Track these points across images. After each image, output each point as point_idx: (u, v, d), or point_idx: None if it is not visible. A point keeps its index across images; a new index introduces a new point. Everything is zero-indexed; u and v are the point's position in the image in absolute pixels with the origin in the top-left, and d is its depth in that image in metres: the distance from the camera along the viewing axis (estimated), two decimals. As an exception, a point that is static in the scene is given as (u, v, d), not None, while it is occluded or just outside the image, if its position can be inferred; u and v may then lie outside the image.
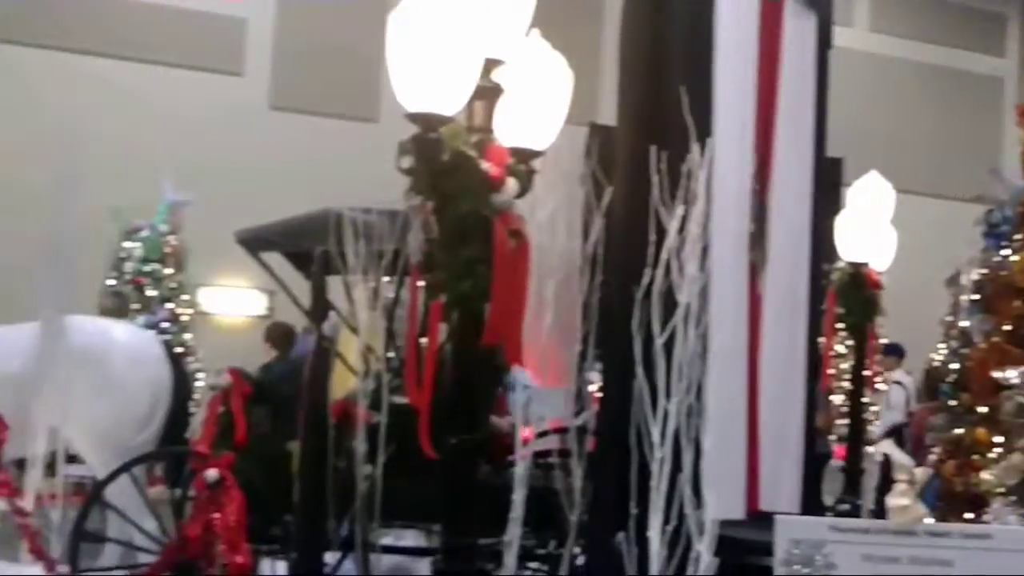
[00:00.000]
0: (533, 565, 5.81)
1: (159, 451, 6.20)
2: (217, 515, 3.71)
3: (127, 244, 12.25)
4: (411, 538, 6.85)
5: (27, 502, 5.41)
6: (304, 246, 5.71)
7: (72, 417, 5.84)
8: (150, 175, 12.22)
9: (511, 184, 3.88)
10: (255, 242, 6.08)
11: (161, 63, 13.95)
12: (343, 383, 6.66)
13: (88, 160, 12.89)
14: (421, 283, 4.17)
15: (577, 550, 5.20)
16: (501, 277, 3.72)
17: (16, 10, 13.47)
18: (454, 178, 3.73)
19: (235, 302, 14.02)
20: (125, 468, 5.66)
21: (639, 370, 3.92)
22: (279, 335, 9.53)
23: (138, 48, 13.80)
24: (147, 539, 5.84)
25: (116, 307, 9.94)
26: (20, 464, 5.80)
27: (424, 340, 4.20)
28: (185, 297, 12.71)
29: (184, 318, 12.47)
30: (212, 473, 3.78)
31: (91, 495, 5.58)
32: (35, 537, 5.05)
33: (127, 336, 6.47)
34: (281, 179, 13.23)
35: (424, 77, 3.64)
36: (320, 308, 5.37)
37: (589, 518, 4.63)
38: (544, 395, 5.35)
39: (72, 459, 6.21)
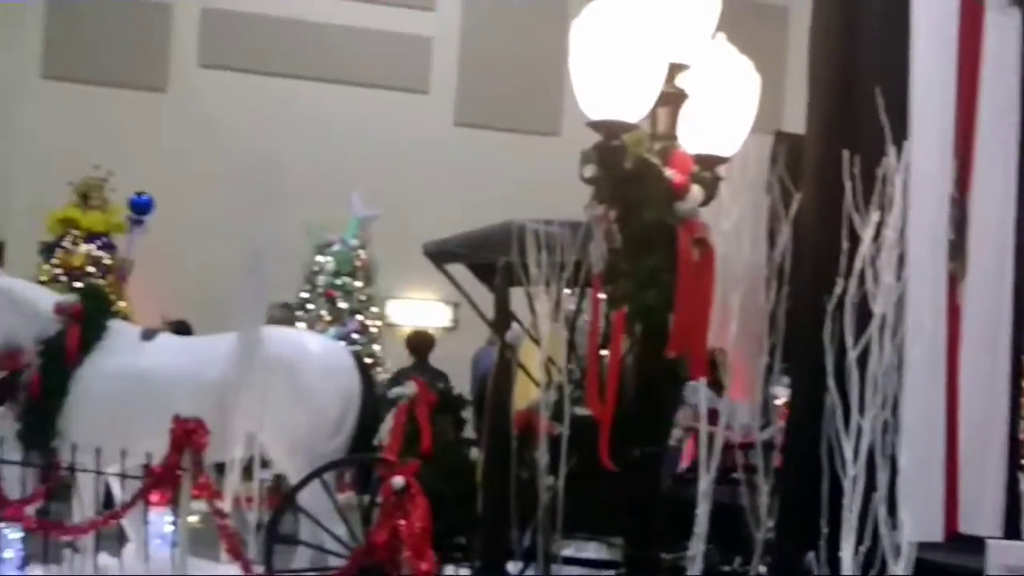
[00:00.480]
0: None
1: (349, 458, 6.37)
2: (403, 522, 3.76)
3: (319, 258, 12.74)
4: (592, 550, 6.79)
5: (225, 505, 5.64)
6: (487, 258, 5.76)
7: (268, 424, 6.07)
8: (340, 191, 12.68)
9: (696, 192, 3.80)
10: (440, 254, 6.18)
11: (350, 83, 14.50)
12: (525, 394, 6.71)
13: (281, 179, 13.67)
14: (603, 294, 4.13)
15: (763, 569, 5.05)
16: (685, 287, 3.65)
17: (212, 38, 14.28)
18: (637, 186, 3.69)
19: (422, 314, 14.33)
20: (317, 474, 5.83)
21: (831, 383, 3.77)
22: (418, 343, 9.77)
23: (327, 70, 14.39)
24: (337, 543, 6.05)
25: (283, 318, 10.27)
26: (219, 468, 6.06)
27: (605, 352, 4.16)
28: (374, 309, 13.11)
29: (373, 330, 12.86)
30: (398, 480, 3.84)
31: (284, 499, 5.78)
32: (233, 538, 5.26)
33: (319, 347, 6.70)
34: (465, 193, 13.48)
35: (607, 84, 3.62)
36: (503, 319, 5.39)
37: (776, 536, 4.48)
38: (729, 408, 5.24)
39: (266, 463, 6.46)
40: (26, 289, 7.12)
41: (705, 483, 4.86)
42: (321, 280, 12.73)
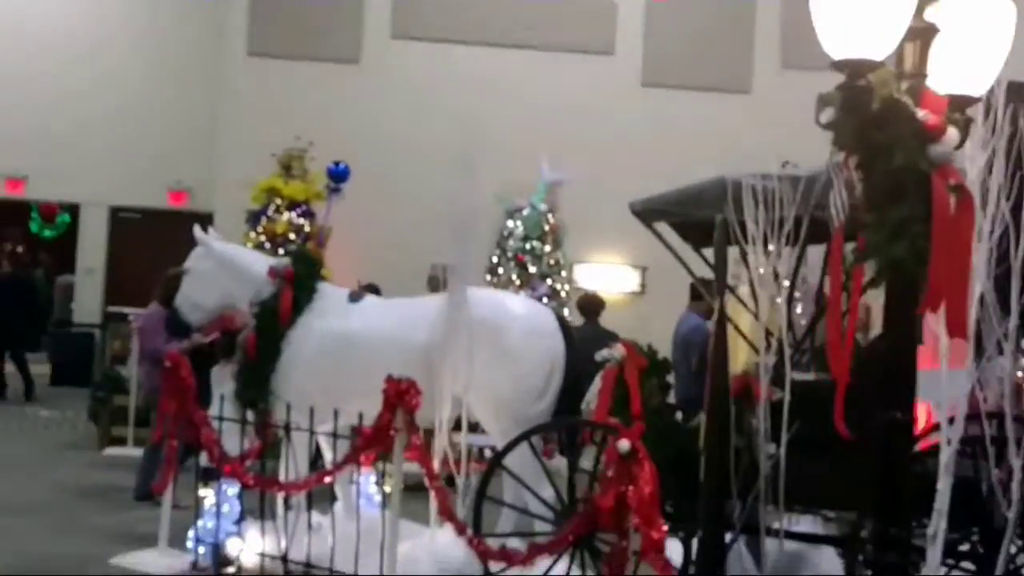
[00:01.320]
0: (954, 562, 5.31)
1: (556, 421, 6.28)
2: (631, 487, 3.62)
3: (509, 223, 12.73)
4: (807, 524, 6.51)
5: (436, 466, 5.65)
6: (699, 215, 5.54)
7: (474, 386, 6.04)
8: (529, 156, 12.61)
9: (952, 134, 3.47)
10: (648, 212, 5.99)
11: (537, 48, 14.45)
12: (734, 359, 6.47)
13: (472, 144, 13.71)
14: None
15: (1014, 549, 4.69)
16: (942, 237, 3.33)
17: (403, 11, 14.52)
18: (885, 129, 3.39)
19: (609, 278, 14.20)
20: (524, 437, 5.77)
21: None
22: (588, 305, 9.62)
23: (513, 36, 14.40)
24: (544, 507, 5.98)
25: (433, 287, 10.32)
26: (427, 431, 6.07)
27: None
28: (563, 273, 13.04)
29: (562, 294, 12.78)
30: (624, 444, 3.69)
31: (492, 462, 5.74)
32: (446, 499, 5.25)
33: (524, 309, 6.62)
34: (652, 154, 13.25)
35: (851, 20, 3.33)
36: (722, 278, 5.16)
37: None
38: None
39: (472, 428, 6.44)
40: (242, 254, 7.34)
41: (947, 455, 4.54)
42: (511, 244, 12.72)
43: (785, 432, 4.99)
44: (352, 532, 6.00)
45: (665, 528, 3.50)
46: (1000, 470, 4.96)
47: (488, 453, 7.25)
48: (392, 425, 5.34)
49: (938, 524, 4.53)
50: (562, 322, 6.57)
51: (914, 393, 3.69)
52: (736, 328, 5.63)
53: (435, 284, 10.32)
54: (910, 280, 3.48)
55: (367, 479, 7.14)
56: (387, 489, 6.98)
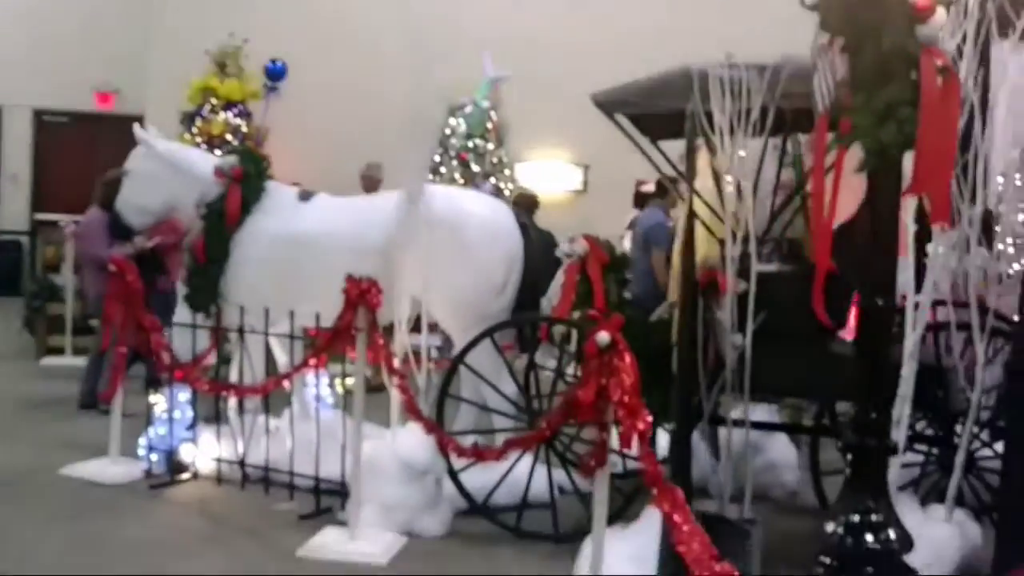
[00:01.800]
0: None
1: (520, 317, 6.22)
2: (612, 379, 3.56)
3: (452, 121, 12.49)
4: (762, 413, 6.59)
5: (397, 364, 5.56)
6: (664, 106, 5.41)
7: (433, 284, 5.93)
8: (471, 52, 12.32)
9: (941, 14, 3.38)
10: (611, 104, 5.85)
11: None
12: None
13: (412, 41, 13.35)
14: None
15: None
16: (929, 120, 3.27)
17: None
18: (874, 9, 3.28)
19: (552, 176, 14.06)
20: (487, 333, 5.70)
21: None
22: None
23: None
24: (505, 403, 5.96)
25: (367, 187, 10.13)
26: (387, 330, 5.97)
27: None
28: (507, 172, 12.89)
29: (505, 193, 12.64)
30: (604, 336, 3.62)
31: (455, 360, 5.68)
32: (412, 398, 5.18)
33: (482, 205, 6.47)
34: (596, 54, 12.99)
35: None
36: (692, 169, 5.07)
37: (1007, 404, 4.17)
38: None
39: (433, 327, 6.33)
40: (186, 153, 7.06)
41: (911, 342, 4.58)
42: (454, 143, 12.51)
43: (751, 323, 4.98)
44: (310, 435, 5.94)
45: (650, 418, 3.46)
46: (963, 356, 5.05)
47: (434, 353, 7.16)
48: (354, 325, 5.22)
49: (902, 409, 4.61)
50: (520, 219, 6.46)
51: (895, 279, 3.67)
52: (703, 222, 5.56)
53: (369, 184, 10.12)
54: (894, 164, 3.43)
55: (321, 381, 7.07)
56: (340, 391, 6.93)
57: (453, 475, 5.60)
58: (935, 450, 5.35)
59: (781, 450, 6.68)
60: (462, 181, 12.31)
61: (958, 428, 5.08)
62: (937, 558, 4.64)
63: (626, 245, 11.80)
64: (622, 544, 4.85)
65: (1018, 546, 4.19)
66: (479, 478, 5.67)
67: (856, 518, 3.63)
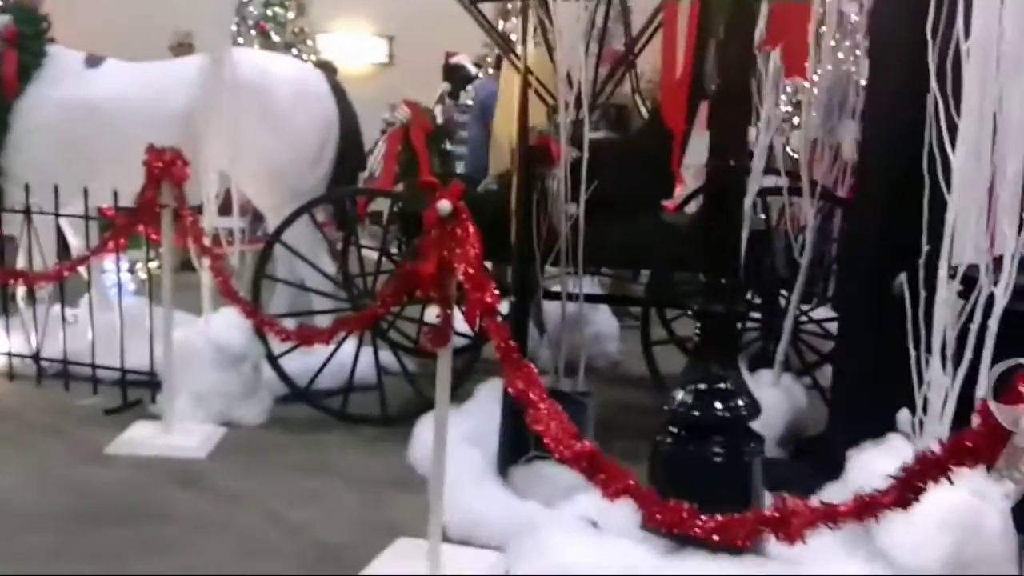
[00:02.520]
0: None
1: (338, 191, 5.85)
2: (456, 251, 3.31)
3: (248, -13, 11.70)
4: (586, 285, 6.52)
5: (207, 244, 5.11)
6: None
7: (242, 157, 5.48)
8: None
9: None
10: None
11: None
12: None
13: None
14: None
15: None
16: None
17: None
18: None
19: (356, 48, 13.45)
20: (305, 209, 5.33)
21: (933, 83, 3.29)
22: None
23: None
24: (326, 283, 5.65)
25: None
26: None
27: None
28: (308, 43, 12.25)
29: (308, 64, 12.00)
30: (445, 204, 3.34)
31: (271, 238, 5.27)
32: (228, 279, 4.78)
33: (292, 70, 5.99)
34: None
35: None
36: (524, 30, 4.77)
37: (843, 262, 4.16)
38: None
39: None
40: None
41: (746, 205, 4.55)
42: (251, 12, 11.74)
43: (583, 193, 4.80)
44: (113, 324, 5.47)
45: (497, 292, 3.23)
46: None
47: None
48: (158, 201, 4.75)
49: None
50: (334, 84, 6.02)
51: (745, 138, 3.54)
52: (536, 89, 5.31)
53: (176, 52, 9.35)
54: (748, 15, 3.25)
55: (120, 266, 6.49)
56: (142, 276, 6.43)
57: (273, 360, 5.27)
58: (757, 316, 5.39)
59: (605, 322, 6.66)
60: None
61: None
62: (767, 421, 4.69)
63: (438, 120, 11.53)
64: (455, 426, 4.69)
65: (850, 408, 4.25)
66: (300, 363, 5.36)
67: (705, 386, 3.55)
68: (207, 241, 5.07)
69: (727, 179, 3.49)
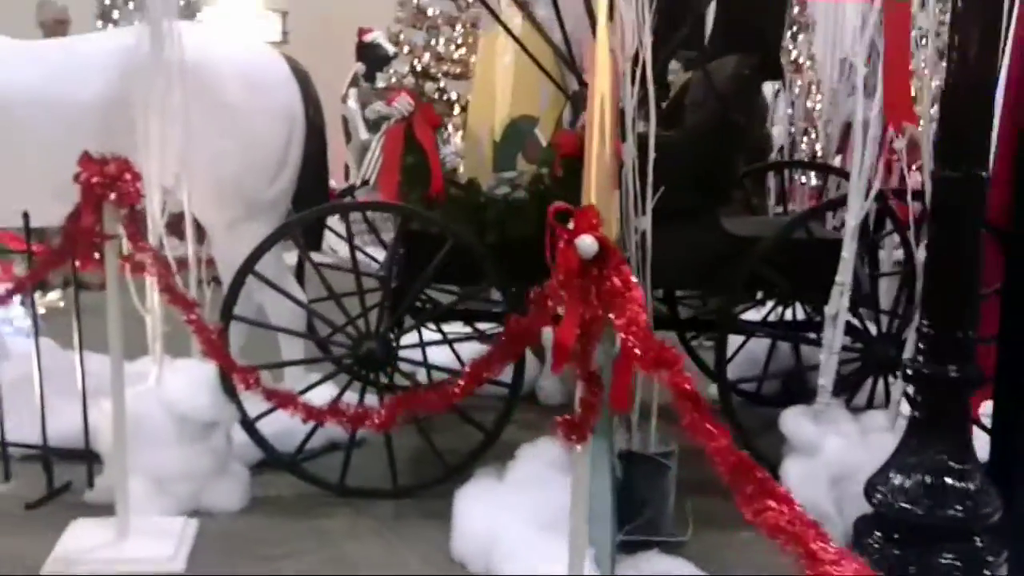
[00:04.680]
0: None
1: (333, 206, 4.69)
2: (614, 309, 2.26)
3: (124, -47, 10.19)
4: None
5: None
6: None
7: (186, 162, 4.26)
8: None
9: None
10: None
11: None
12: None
13: None
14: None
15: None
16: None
17: None
18: None
19: (246, 24, 12.06)
20: (284, 233, 4.15)
21: None
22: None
23: None
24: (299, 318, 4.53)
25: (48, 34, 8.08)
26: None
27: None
28: (197, 17, 10.83)
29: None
30: (588, 242, 2.30)
31: (243, 268, 4.03)
32: (211, 336, 3.55)
33: (240, 50, 4.70)
34: None
35: None
36: None
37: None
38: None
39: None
40: None
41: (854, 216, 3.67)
42: (128, -20, 10.25)
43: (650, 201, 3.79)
44: (20, 379, 4.23)
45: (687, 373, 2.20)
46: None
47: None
48: (98, 228, 3.51)
49: (840, 302, 3.73)
50: (295, 67, 4.79)
51: (989, 144, 2.60)
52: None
53: (53, 32, 7.97)
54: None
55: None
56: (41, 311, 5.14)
57: (249, 425, 4.09)
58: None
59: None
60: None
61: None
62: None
63: (351, 105, 10.28)
64: (509, 501, 3.66)
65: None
66: (277, 419, 4.17)
67: (930, 478, 2.60)
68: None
69: (961, 194, 2.53)
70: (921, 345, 2.59)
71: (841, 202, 3.97)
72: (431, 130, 4.22)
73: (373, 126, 4.41)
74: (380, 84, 10.40)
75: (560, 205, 2.41)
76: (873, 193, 3.66)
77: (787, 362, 5.35)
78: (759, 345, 5.38)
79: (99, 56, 4.42)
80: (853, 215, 3.75)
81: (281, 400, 3.58)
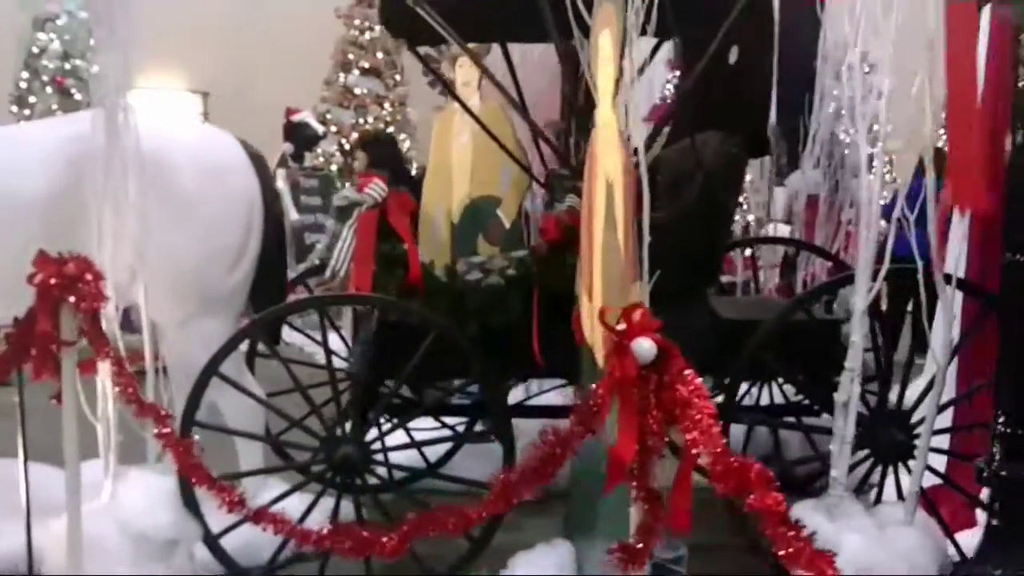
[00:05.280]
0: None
1: (307, 300, 4.39)
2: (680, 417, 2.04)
3: (41, 36, 9.82)
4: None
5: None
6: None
7: (141, 256, 3.95)
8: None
9: None
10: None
11: None
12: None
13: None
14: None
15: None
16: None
17: None
18: None
19: (168, 105, 11.75)
20: (250, 331, 3.85)
21: None
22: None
23: None
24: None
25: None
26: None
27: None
28: (117, 100, 10.48)
29: (116, 125, 10.25)
30: (647, 345, 2.09)
31: (207, 370, 3.72)
32: (188, 453, 3.22)
33: (194, 136, 4.43)
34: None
35: None
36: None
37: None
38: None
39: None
40: None
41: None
42: (46, 65, 9.87)
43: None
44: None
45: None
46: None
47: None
48: (55, 335, 3.17)
49: (851, 388, 3.58)
50: (252, 153, 4.52)
51: None
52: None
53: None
54: None
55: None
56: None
57: (213, 540, 3.74)
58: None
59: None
60: (60, 112, 9.75)
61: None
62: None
63: (279, 185, 9.99)
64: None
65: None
66: (240, 532, 3.82)
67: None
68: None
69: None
70: (997, 445, 2.41)
71: (846, 281, 3.81)
72: (406, 217, 3.98)
73: (342, 213, 4.10)
74: (307, 164, 10.18)
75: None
76: (882, 274, 3.53)
77: (766, 446, 5.18)
78: (737, 429, 5.20)
79: (41, 145, 4.10)
80: (861, 297, 3.61)
81: (258, 516, 3.25)
